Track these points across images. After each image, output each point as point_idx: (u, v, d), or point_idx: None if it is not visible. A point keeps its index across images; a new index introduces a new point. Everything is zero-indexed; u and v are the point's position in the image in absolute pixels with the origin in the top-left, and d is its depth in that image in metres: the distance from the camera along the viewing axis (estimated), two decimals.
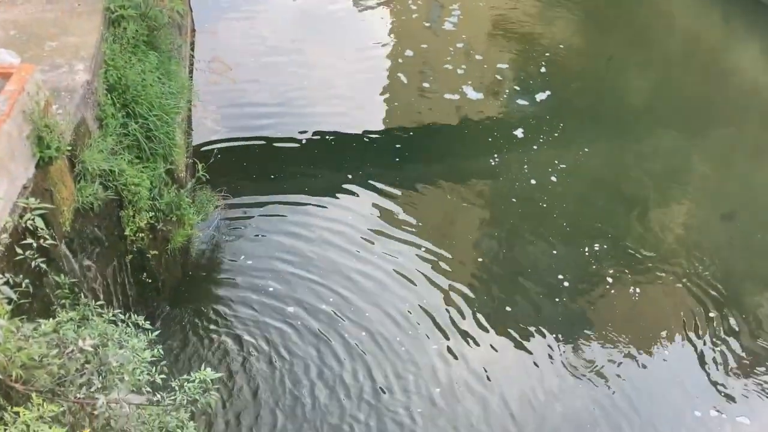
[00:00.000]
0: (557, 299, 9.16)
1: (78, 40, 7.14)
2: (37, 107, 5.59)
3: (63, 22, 7.39)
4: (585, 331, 8.85)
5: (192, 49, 11.34)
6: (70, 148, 6.06)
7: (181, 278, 8.69)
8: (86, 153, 6.43)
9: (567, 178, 11.02)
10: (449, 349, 8.38)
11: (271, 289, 8.78)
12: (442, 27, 15.14)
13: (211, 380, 4.60)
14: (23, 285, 4.24)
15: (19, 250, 4.29)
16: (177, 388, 4.59)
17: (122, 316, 5.23)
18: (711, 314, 9.11)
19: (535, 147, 11.65)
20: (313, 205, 10.11)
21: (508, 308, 9.02)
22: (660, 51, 14.87)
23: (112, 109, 7.11)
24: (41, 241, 4.30)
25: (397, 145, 11.59)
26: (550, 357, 8.46)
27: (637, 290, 9.37)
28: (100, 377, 4.18)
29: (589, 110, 12.80)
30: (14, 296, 3.85)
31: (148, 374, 4.58)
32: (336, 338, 8.31)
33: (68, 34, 7.20)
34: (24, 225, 4.18)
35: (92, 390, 3.96)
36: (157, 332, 5.54)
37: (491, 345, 8.52)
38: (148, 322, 5.35)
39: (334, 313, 8.59)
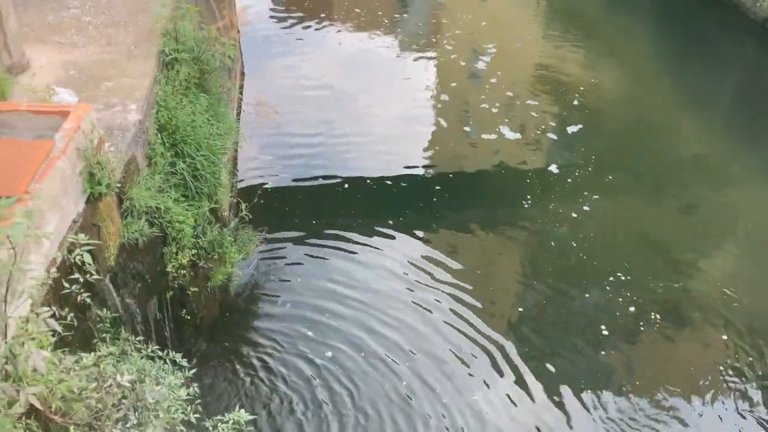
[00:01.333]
0: (598, 350, 8.96)
1: (133, 81, 7.39)
2: (91, 145, 5.77)
3: (120, 63, 7.68)
4: (625, 384, 8.62)
5: (241, 92, 11.67)
6: (119, 185, 6.22)
7: (219, 317, 8.76)
8: (134, 190, 6.59)
9: (605, 227, 10.90)
10: (489, 399, 8.23)
11: (309, 333, 8.77)
12: (482, 69, 15.31)
13: (245, 422, 4.60)
14: (68, 318, 4.33)
15: (66, 284, 4.39)
16: (210, 428, 4.60)
17: (160, 353, 5.29)
18: (753, 370, 8.81)
19: (572, 194, 11.58)
20: (352, 248, 10.14)
21: (547, 358, 8.83)
22: (709, 101, 14.73)
23: (162, 148, 7.30)
24: (88, 276, 4.40)
25: (437, 187, 11.65)
26: (590, 410, 8.24)
27: (679, 343, 9.13)
28: (136, 413, 4.22)
29: (628, 159, 12.70)
30: (59, 329, 3.93)
31: (182, 413, 4.60)
32: (371, 384, 8.23)
33: (124, 76, 7.46)
34: (72, 260, 4.29)
35: (128, 426, 4.00)
36: (193, 370, 5.58)
37: (531, 396, 8.34)
38: (185, 360, 5.40)
39: (370, 359, 8.52)
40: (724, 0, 18.25)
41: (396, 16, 18.25)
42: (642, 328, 9.31)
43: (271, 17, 17.12)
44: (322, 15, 17.50)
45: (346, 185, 11.46)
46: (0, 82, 6.65)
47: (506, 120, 13.55)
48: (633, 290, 9.77)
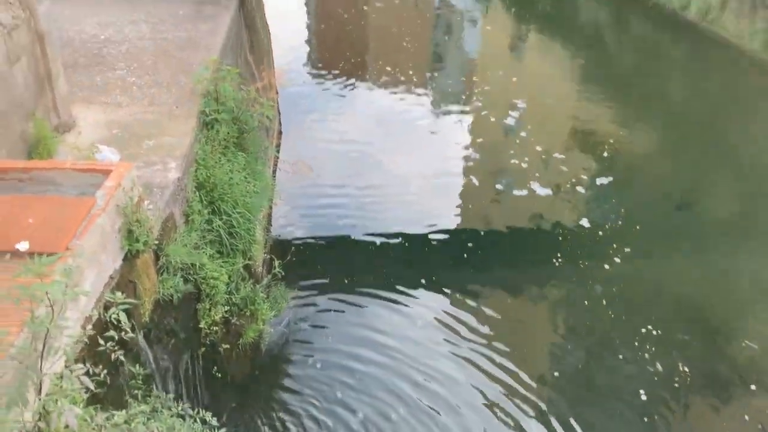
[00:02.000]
0: (635, 416, 8.67)
1: (173, 140, 7.59)
2: (131, 202, 5.89)
3: (161, 123, 7.90)
4: None
5: (277, 150, 11.88)
6: (156, 241, 6.32)
7: (249, 374, 8.71)
8: (171, 247, 6.68)
9: (639, 285, 10.70)
10: None
11: (338, 393, 8.67)
12: (513, 125, 15.42)
13: None
14: (101, 375, 4.36)
15: (101, 341, 4.43)
16: None
17: (190, 411, 5.26)
18: None
19: (607, 254, 11.42)
20: (383, 306, 10.08)
21: (584, 424, 8.58)
22: (748, 166, 14.56)
23: (199, 206, 7.43)
24: (122, 333, 4.43)
25: (469, 244, 11.61)
26: None
27: (720, 410, 8.80)
28: None
29: (664, 219, 12.53)
30: (92, 387, 3.95)
31: None
32: None
33: (165, 135, 7.67)
34: (108, 318, 4.34)
35: None
36: (223, 429, 5.53)
37: None
38: (215, 419, 5.37)
39: (403, 420, 8.36)
40: (758, 61, 18.24)
41: (428, 74, 18.59)
42: (682, 394, 8.99)
43: (308, 77, 17.58)
44: (357, 74, 17.90)
45: (378, 241, 11.49)
46: (47, 141, 6.89)
47: (537, 175, 13.58)
48: (669, 353, 9.49)
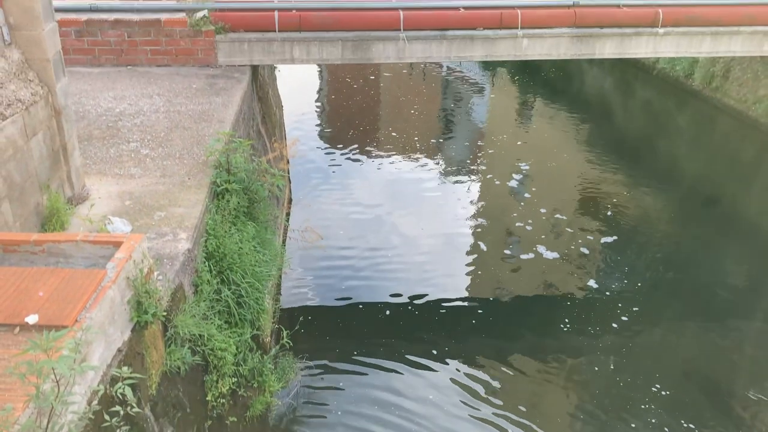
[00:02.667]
0: None
1: (184, 211, 7.68)
2: (141, 274, 5.94)
3: (173, 194, 8.02)
4: None
5: (287, 219, 11.98)
6: (165, 312, 6.33)
7: None
8: (179, 317, 6.69)
9: (649, 354, 10.50)
10: None
11: None
12: (520, 189, 15.53)
13: None
14: None
15: (106, 417, 4.39)
16: None
17: None
18: None
19: (615, 316, 11.32)
20: (392, 375, 9.95)
21: None
22: (753, 229, 14.54)
23: (208, 276, 7.46)
24: (129, 408, 4.40)
25: (479, 311, 11.54)
26: None
27: None
28: None
29: (676, 286, 12.43)
30: None
31: None
32: None
33: (176, 205, 7.77)
34: (114, 393, 4.31)
35: None
36: None
37: None
38: None
39: None
40: (762, 126, 18.40)
41: (437, 140, 18.88)
42: None
43: (319, 146, 17.88)
44: (367, 141, 18.20)
45: (387, 308, 11.43)
46: (60, 213, 7.00)
47: (543, 238, 13.67)
48: (680, 420, 9.26)
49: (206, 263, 7.54)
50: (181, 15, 11.87)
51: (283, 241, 11.72)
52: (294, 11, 12.41)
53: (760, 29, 13.79)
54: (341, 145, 18.01)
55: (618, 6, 13.49)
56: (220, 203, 8.28)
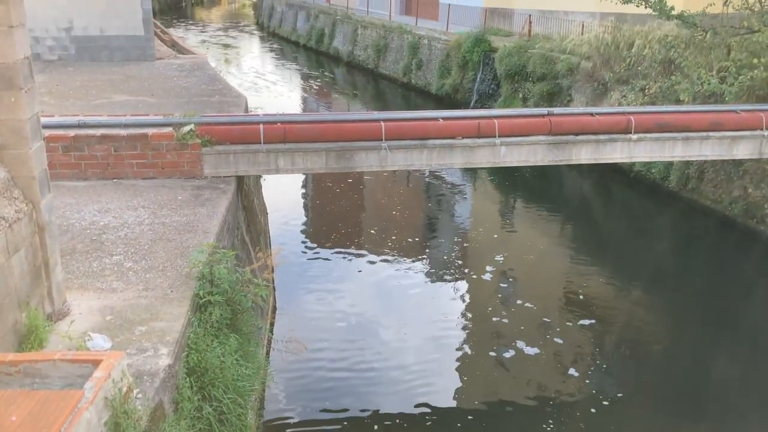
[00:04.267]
0: None
1: (165, 325, 7.58)
2: (119, 394, 5.78)
3: (155, 307, 7.93)
4: None
5: (271, 330, 11.84)
6: None
7: None
8: None
9: None
10: None
11: None
12: (506, 292, 15.51)
13: None
14: None
15: None
16: None
17: None
18: None
19: (606, 426, 11.07)
20: None
21: None
22: (739, 329, 14.55)
23: (189, 392, 7.26)
24: None
25: (469, 417, 11.29)
26: None
27: None
28: None
29: (662, 387, 12.27)
30: None
31: None
32: None
33: (157, 320, 7.67)
34: None
35: None
36: None
37: None
38: None
39: None
40: (739, 225, 18.78)
41: (418, 241, 19.02)
42: None
43: (304, 252, 17.92)
44: (352, 246, 18.29)
45: (374, 420, 11.13)
46: (39, 331, 6.87)
47: (529, 337, 13.56)
48: None
49: (187, 379, 7.37)
50: (168, 129, 12.15)
51: (267, 353, 11.53)
52: (279, 124, 12.77)
53: (728, 134, 14.34)
54: (325, 249, 18.09)
55: (591, 114, 14.02)
56: (203, 316, 8.18)
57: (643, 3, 19.85)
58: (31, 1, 8.17)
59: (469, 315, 14.89)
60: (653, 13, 20.19)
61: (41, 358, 5.98)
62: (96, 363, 6.03)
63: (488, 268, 16.97)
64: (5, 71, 6.75)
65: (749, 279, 17.00)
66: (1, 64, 6.72)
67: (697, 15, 20.06)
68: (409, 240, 18.97)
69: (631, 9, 21.51)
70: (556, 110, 14.19)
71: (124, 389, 5.94)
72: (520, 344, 13.39)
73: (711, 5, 20.02)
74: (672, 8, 19.70)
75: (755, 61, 18.06)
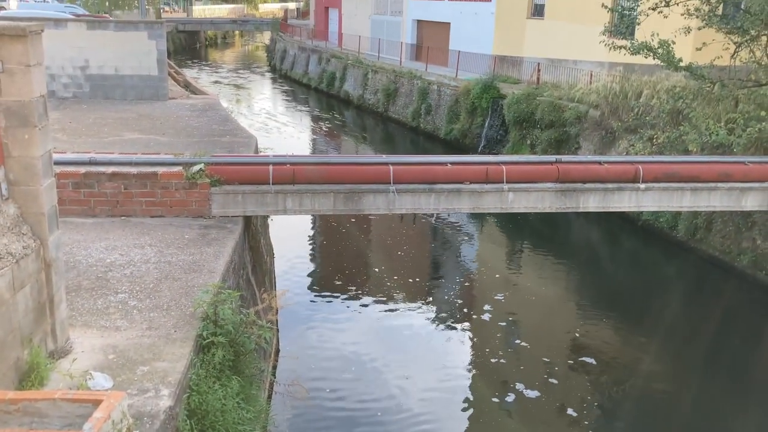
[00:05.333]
0: None
1: (168, 366, 7.51)
2: None
3: (158, 347, 7.87)
4: None
5: (274, 372, 11.71)
6: None
7: None
8: None
9: None
10: None
11: None
12: (511, 339, 15.36)
13: None
14: None
15: None
16: None
17: None
18: None
19: None
20: None
21: None
22: (746, 378, 14.32)
23: None
24: None
25: None
26: None
27: None
28: None
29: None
30: None
31: None
32: None
33: (160, 360, 7.61)
34: None
35: None
36: None
37: None
38: None
39: None
40: (748, 277, 18.62)
41: (423, 285, 18.94)
42: None
43: (309, 294, 17.85)
44: (356, 287, 18.22)
45: None
46: (41, 369, 6.82)
47: (535, 386, 13.38)
48: None
49: (188, 421, 7.27)
50: (178, 168, 12.24)
51: (269, 396, 11.38)
52: (288, 165, 12.84)
53: (737, 185, 14.32)
54: (329, 291, 18.02)
55: (599, 163, 14.06)
56: (206, 357, 8.12)
57: (652, 54, 20.04)
58: (48, 40, 8.32)
59: (472, 359, 14.73)
60: (661, 64, 20.37)
61: (41, 396, 5.91)
62: (96, 403, 5.96)
63: (493, 312, 16.84)
64: (20, 109, 6.84)
65: (758, 331, 16.77)
66: (17, 102, 6.82)
67: (705, 67, 20.24)
68: (414, 282, 18.88)
69: (639, 59, 21.74)
70: (564, 158, 14.23)
71: (124, 430, 5.85)
72: (523, 388, 13.24)
73: (719, 58, 20.22)
74: (680, 60, 19.88)
75: (763, 113, 18.15)
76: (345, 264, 20.22)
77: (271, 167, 12.69)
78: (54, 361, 7.32)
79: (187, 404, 7.37)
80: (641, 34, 21.21)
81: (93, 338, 7.98)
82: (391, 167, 13.11)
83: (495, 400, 13.09)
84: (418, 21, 50.76)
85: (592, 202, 14.06)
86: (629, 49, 20.32)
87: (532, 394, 13.14)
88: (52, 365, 7.17)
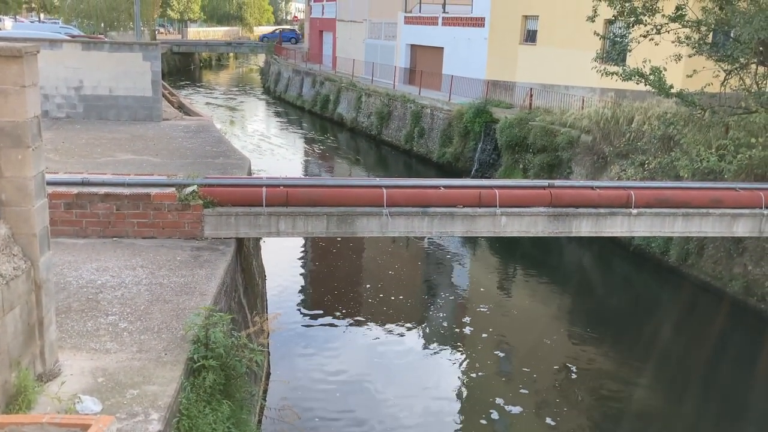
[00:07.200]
0: None
1: (157, 389, 7.42)
2: None
3: (148, 370, 7.79)
4: None
5: (264, 396, 11.59)
6: None
7: None
8: None
9: None
10: None
11: None
12: (504, 364, 15.31)
13: None
14: None
15: None
16: None
17: None
18: None
19: None
20: None
21: None
22: (740, 405, 14.29)
23: None
24: None
25: None
26: None
27: None
28: None
29: None
30: None
31: None
32: None
33: (150, 383, 7.52)
34: None
35: None
36: None
37: None
38: None
39: None
40: (739, 302, 18.65)
41: (416, 309, 18.89)
42: None
43: (300, 317, 17.76)
44: (348, 310, 18.15)
45: None
46: (28, 392, 6.72)
47: (528, 414, 13.35)
48: None
49: None
50: (171, 189, 12.21)
51: (259, 421, 11.25)
52: (281, 187, 12.83)
53: (728, 211, 14.39)
54: (321, 314, 17.94)
55: (592, 188, 14.12)
56: (196, 380, 8.03)
57: (643, 80, 20.24)
58: (43, 60, 8.33)
59: (464, 382, 14.67)
60: (652, 90, 20.57)
61: (29, 420, 5.82)
62: (85, 427, 5.87)
63: (484, 336, 16.79)
64: (14, 129, 6.82)
65: (749, 357, 16.77)
66: (11, 122, 6.80)
67: (696, 93, 20.43)
68: (407, 305, 18.81)
69: (630, 85, 21.96)
70: (557, 182, 14.29)
71: None
72: (514, 412, 13.23)
73: (709, 84, 20.44)
74: (671, 86, 20.08)
75: (753, 140, 18.31)
76: (337, 287, 20.15)
77: (264, 189, 12.68)
78: (42, 384, 7.22)
79: (177, 429, 7.27)
80: (633, 61, 21.44)
81: (82, 361, 7.88)
82: (384, 190, 13.13)
83: (485, 423, 13.02)
84: (412, 45, 51.18)
85: (584, 227, 14.09)
86: (621, 75, 20.52)
87: (523, 418, 13.08)
88: (40, 388, 7.07)
